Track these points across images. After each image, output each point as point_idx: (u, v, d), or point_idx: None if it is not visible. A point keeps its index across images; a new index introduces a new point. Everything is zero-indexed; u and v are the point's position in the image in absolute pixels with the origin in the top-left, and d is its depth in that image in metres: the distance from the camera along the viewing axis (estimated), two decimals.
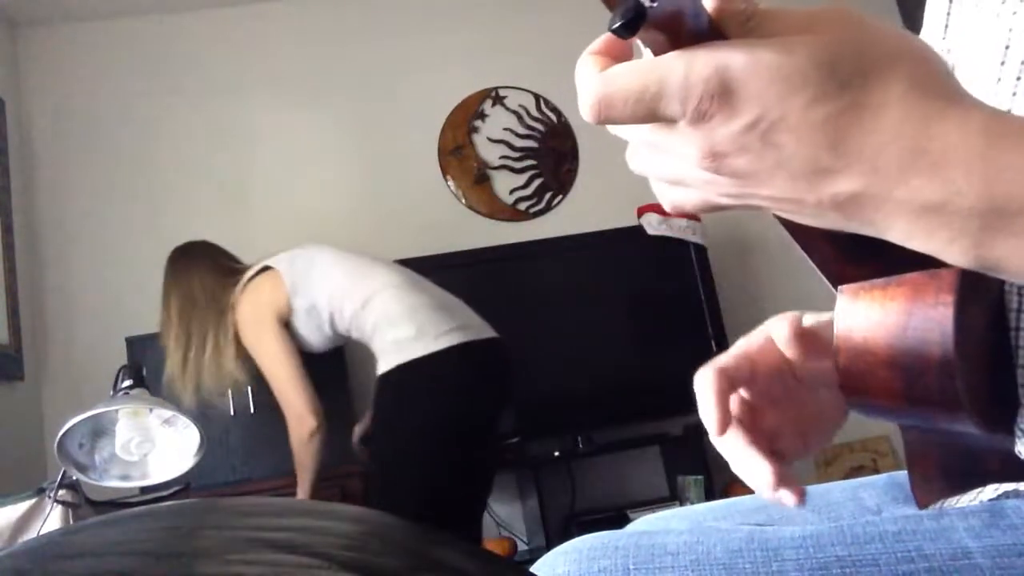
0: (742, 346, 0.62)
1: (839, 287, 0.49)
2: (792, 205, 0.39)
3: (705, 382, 0.58)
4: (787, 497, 0.54)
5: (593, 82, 0.39)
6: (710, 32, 0.38)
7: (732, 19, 0.38)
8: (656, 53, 0.38)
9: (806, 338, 0.59)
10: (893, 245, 0.39)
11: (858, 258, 0.47)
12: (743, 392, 0.60)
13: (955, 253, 0.37)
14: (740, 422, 0.58)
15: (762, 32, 0.38)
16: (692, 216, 3.20)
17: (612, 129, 0.42)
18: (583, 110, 0.39)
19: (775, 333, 0.61)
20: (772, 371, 0.61)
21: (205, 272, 2.47)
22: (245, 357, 2.37)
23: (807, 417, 0.62)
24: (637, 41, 0.39)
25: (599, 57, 0.41)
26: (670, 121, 0.38)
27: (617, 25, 0.35)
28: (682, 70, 0.37)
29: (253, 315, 2.33)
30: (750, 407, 0.60)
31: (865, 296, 0.47)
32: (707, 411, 0.57)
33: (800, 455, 0.62)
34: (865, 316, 0.47)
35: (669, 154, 0.40)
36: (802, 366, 0.60)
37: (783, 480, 0.55)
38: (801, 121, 0.36)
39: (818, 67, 0.36)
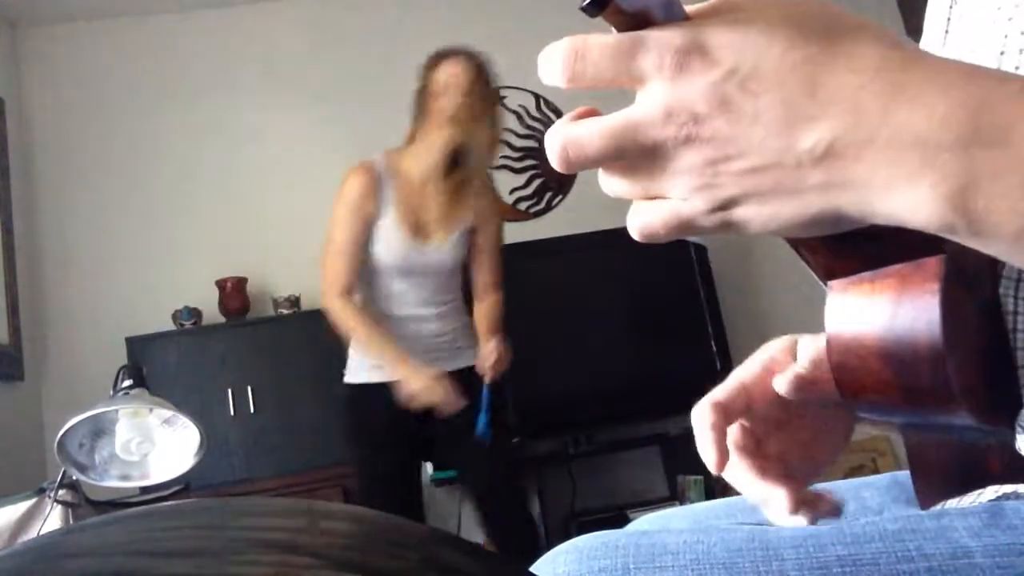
0: (738, 376, 0.63)
1: (828, 283, 0.49)
2: (771, 175, 0.37)
3: (701, 418, 0.59)
4: (807, 517, 0.55)
5: (568, 39, 0.39)
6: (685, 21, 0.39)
7: (707, 11, 0.39)
8: None
9: (808, 381, 0.59)
10: (880, 234, 0.39)
11: (846, 250, 0.47)
12: (743, 421, 0.60)
13: (939, 201, 0.35)
14: (744, 450, 0.59)
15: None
16: None
17: (578, 151, 0.40)
18: (553, 64, 0.40)
19: (777, 370, 0.61)
20: (771, 398, 0.61)
21: None
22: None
23: (813, 436, 0.63)
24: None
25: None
26: (642, 79, 0.38)
27: (587, 3, 0.36)
28: (659, 31, 0.38)
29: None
30: (753, 435, 0.61)
31: (853, 290, 0.48)
32: (704, 447, 0.58)
33: (812, 474, 0.63)
34: (854, 310, 0.47)
35: (640, 146, 0.38)
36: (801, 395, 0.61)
37: (800, 501, 0.55)
38: (778, 66, 0.36)
39: (789, 22, 0.37)
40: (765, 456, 0.59)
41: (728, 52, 0.36)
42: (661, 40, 0.37)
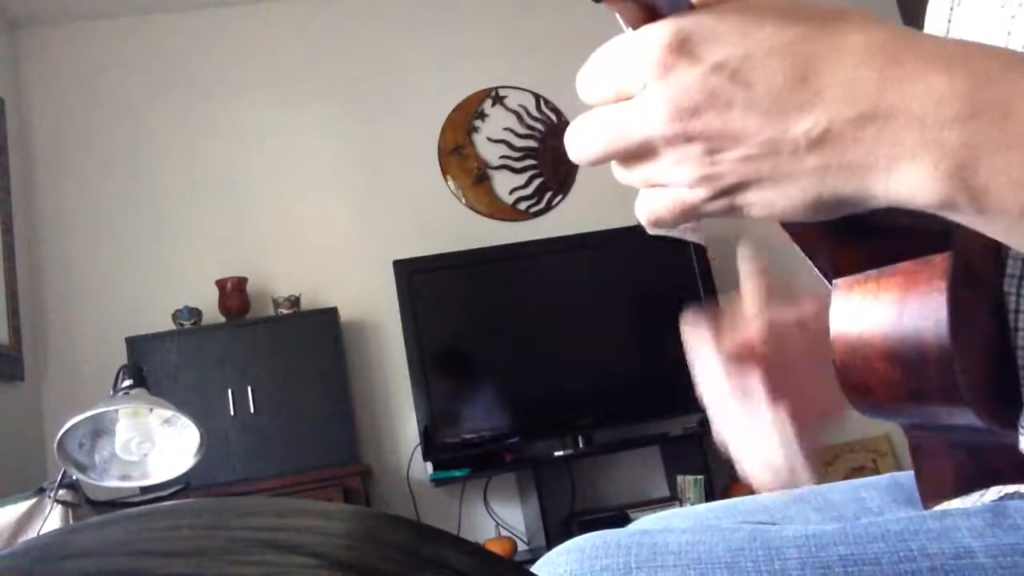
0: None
1: (833, 281, 0.48)
2: (767, 162, 0.37)
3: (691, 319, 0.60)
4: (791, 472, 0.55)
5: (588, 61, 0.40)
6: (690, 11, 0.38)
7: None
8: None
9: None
10: (884, 230, 0.38)
11: (850, 246, 0.46)
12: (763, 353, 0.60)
13: (941, 179, 0.34)
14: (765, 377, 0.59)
15: None
16: None
17: (589, 153, 0.41)
18: (579, 92, 0.41)
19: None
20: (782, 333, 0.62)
21: None
22: None
23: (814, 388, 0.62)
24: (620, 20, 0.40)
25: None
26: (637, 81, 0.38)
27: None
28: (645, 30, 0.38)
29: None
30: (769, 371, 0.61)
31: (859, 289, 0.47)
32: (699, 335, 0.59)
33: (816, 427, 0.62)
34: (860, 309, 0.46)
35: (636, 139, 0.39)
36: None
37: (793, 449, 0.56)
38: (768, 51, 0.36)
39: (775, 10, 0.37)
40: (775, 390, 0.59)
41: (715, 45, 0.36)
42: (646, 40, 0.37)
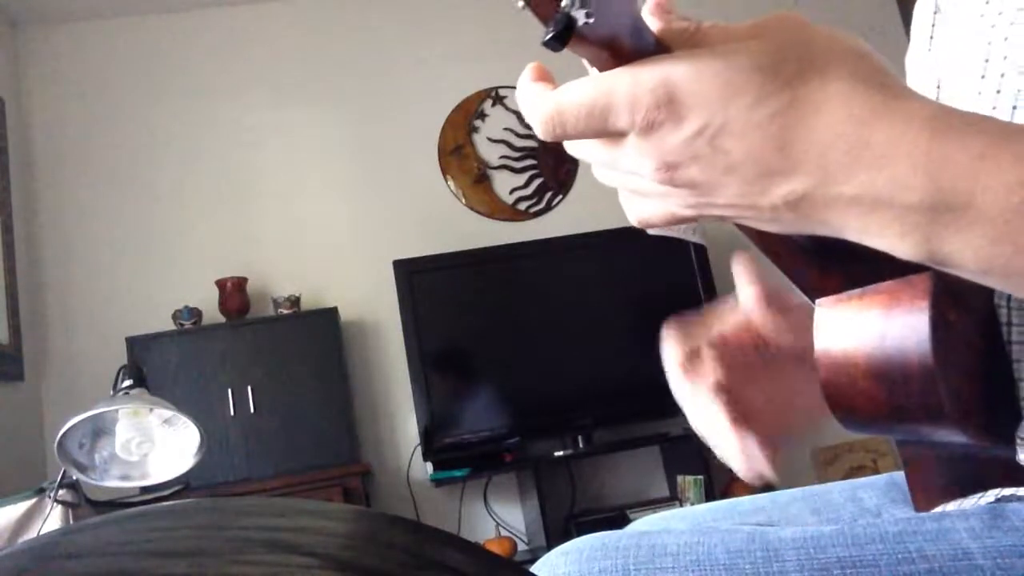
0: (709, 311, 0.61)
1: (816, 300, 0.49)
2: (749, 211, 0.40)
3: (668, 331, 0.59)
4: (755, 474, 0.54)
5: (544, 100, 0.40)
6: (656, 49, 0.38)
7: (677, 36, 0.39)
8: (601, 71, 0.39)
9: (774, 300, 0.58)
10: (865, 252, 0.39)
11: (832, 268, 0.47)
12: (719, 372, 0.58)
13: (908, 248, 0.37)
14: (719, 389, 0.57)
15: (707, 45, 0.39)
16: None
17: (569, 148, 0.43)
18: (535, 128, 0.41)
19: (742, 296, 0.59)
20: (744, 340, 0.59)
21: None
22: None
23: (787, 394, 0.60)
24: (585, 62, 0.40)
25: (543, 82, 0.42)
26: (620, 135, 0.39)
27: (548, 37, 0.35)
28: (628, 82, 0.38)
29: None
30: (727, 388, 0.58)
31: (842, 307, 0.47)
32: (668, 352, 0.57)
33: (787, 435, 0.60)
34: (843, 327, 0.47)
35: (624, 170, 0.41)
36: (775, 333, 0.58)
37: (774, 452, 0.54)
38: (746, 124, 0.37)
39: (759, 69, 0.37)
40: (737, 406, 0.56)
41: (697, 109, 0.37)
42: (630, 98, 0.38)
